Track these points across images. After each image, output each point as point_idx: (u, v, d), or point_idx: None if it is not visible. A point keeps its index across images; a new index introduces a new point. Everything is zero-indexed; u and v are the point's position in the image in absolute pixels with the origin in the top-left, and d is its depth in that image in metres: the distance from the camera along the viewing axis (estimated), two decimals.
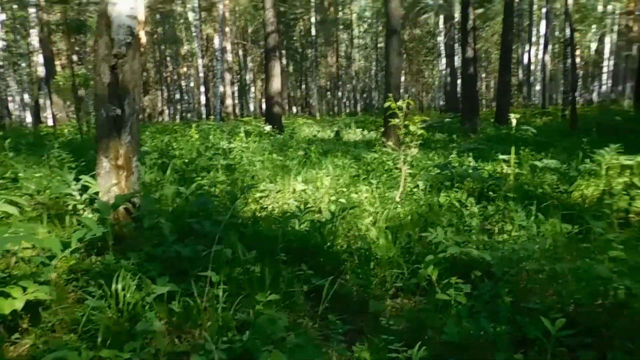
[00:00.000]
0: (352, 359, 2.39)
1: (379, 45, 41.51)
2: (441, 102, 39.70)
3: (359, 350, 2.36)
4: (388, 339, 2.43)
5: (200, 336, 2.58)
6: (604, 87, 36.90)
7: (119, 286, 2.65)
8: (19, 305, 2.30)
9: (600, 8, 37.09)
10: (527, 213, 4.46)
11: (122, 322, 2.53)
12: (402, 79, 45.09)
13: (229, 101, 29.52)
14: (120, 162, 3.70)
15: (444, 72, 33.40)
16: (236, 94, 39.99)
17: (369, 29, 46.82)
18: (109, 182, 3.64)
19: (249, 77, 42.44)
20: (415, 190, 5.27)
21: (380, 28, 38.59)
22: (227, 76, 29.38)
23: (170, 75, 43.13)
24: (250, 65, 42.50)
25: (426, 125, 17.58)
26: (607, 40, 36.85)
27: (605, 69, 36.98)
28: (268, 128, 12.05)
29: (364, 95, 48.46)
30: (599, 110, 19.78)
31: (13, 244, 2.85)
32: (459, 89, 24.42)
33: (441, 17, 33.88)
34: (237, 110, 37.80)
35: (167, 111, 42.92)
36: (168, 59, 42.79)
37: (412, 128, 5.03)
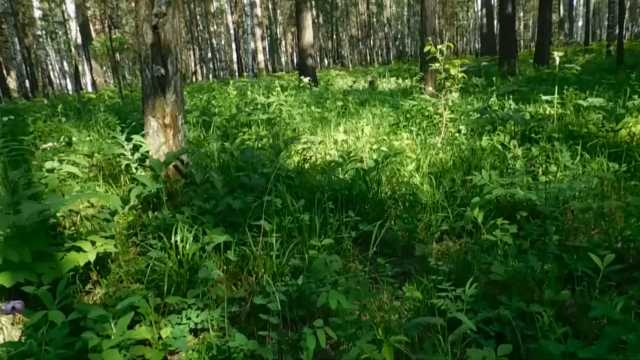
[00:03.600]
0: (403, 298, 2.48)
1: None
2: (477, 46, 38.33)
3: (409, 290, 2.45)
4: (437, 279, 2.51)
5: (256, 282, 2.74)
6: None
7: (178, 238, 2.81)
8: (91, 257, 2.49)
9: None
10: (572, 153, 4.38)
11: (182, 272, 2.70)
12: (437, 22, 43.61)
13: (260, 57, 29.33)
14: (167, 121, 3.82)
15: (479, 13, 32.07)
16: (267, 50, 39.69)
17: None
18: (157, 141, 3.78)
19: (279, 31, 41.88)
20: (456, 135, 5.23)
21: None
22: (258, 31, 29.07)
23: (201, 34, 43.03)
24: (280, 19, 41.86)
25: (463, 70, 17.17)
26: None
27: None
28: (306, 80, 11.96)
29: (397, 42, 47.23)
30: None
31: (81, 200, 3.03)
32: (495, 30, 23.45)
33: None
34: (269, 66, 37.60)
35: (200, 71, 43.12)
36: (198, 17, 42.60)
37: (452, 72, 4.94)
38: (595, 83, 8.79)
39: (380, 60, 41.55)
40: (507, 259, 2.74)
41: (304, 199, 3.23)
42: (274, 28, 41.77)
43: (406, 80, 14.71)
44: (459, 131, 5.28)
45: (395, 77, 15.82)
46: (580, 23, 34.20)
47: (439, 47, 4.77)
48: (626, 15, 39.25)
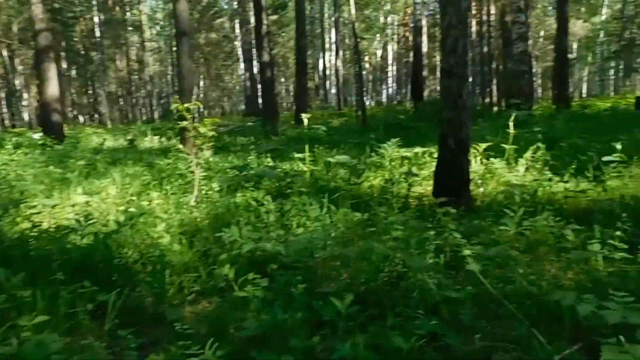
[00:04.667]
0: None
1: (174, 48, 40.40)
2: (243, 107, 40.52)
3: None
4: (185, 344, 2.32)
5: None
6: (390, 90, 41.98)
7: None
8: None
9: (382, 19, 42.19)
10: (320, 205, 4.75)
11: None
12: (202, 84, 44.69)
13: None
14: None
15: (243, 76, 34.09)
16: (4, 102, 34.81)
17: (161, 31, 45.22)
18: None
19: (19, 82, 36.94)
20: (210, 193, 5.21)
21: (174, 31, 37.73)
22: None
23: None
24: (20, 68, 37.11)
25: (228, 130, 17.82)
26: (390, 48, 42.09)
27: (390, 74, 42.13)
28: (37, 136, 10.70)
29: (162, 101, 46.68)
30: (386, 111, 22.48)
31: None
32: (259, 92, 25.19)
33: (237, 22, 34.54)
34: (6, 121, 32.94)
35: None
36: None
37: (202, 130, 4.95)
38: (343, 142, 10.00)
39: (144, 118, 40.29)
40: (260, 312, 2.72)
41: (26, 271, 2.71)
42: (12, 78, 36.65)
43: (171, 140, 14.51)
44: (212, 189, 5.28)
45: (159, 136, 15.46)
46: (333, 90, 39.20)
47: (186, 105, 4.75)
48: (370, 86, 46.88)
